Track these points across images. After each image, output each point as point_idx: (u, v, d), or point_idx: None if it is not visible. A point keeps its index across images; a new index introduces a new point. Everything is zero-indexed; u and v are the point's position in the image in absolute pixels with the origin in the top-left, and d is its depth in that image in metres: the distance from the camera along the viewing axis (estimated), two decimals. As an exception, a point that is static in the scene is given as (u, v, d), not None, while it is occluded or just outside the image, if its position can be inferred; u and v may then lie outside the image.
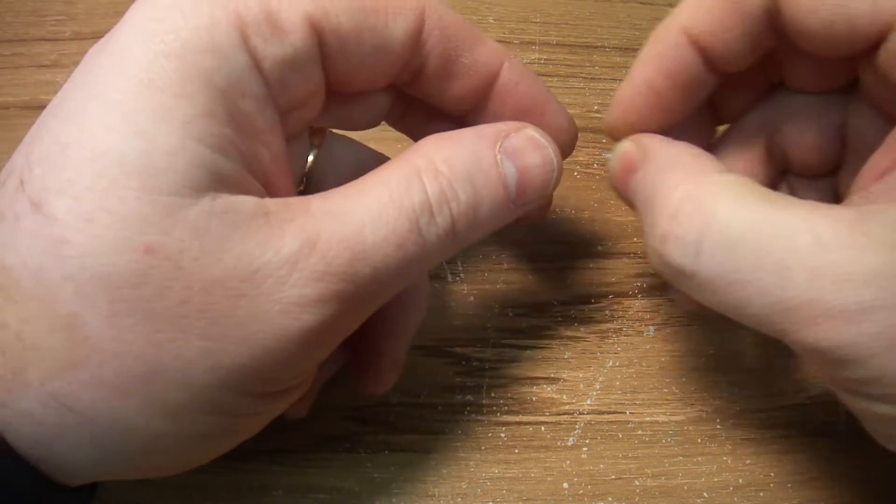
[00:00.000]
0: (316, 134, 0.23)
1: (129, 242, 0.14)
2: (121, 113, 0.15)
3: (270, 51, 0.16)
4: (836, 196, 0.23)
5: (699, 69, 0.20)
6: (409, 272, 0.18)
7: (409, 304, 0.23)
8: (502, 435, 0.26)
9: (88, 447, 0.16)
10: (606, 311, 0.29)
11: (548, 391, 0.27)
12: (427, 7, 0.19)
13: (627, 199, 0.21)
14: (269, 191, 0.18)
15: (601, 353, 0.28)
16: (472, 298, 0.29)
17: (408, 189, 0.18)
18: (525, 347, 0.28)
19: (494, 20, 0.35)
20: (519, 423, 0.27)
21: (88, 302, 0.15)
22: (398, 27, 0.19)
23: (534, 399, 0.27)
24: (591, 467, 0.26)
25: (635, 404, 0.27)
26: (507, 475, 0.26)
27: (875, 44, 0.18)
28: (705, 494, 0.26)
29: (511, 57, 0.22)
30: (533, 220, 0.26)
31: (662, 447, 0.26)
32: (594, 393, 0.27)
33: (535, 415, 0.27)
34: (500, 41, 0.35)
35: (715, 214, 0.17)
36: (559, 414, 0.27)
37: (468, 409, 0.27)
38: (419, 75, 0.21)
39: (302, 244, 0.16)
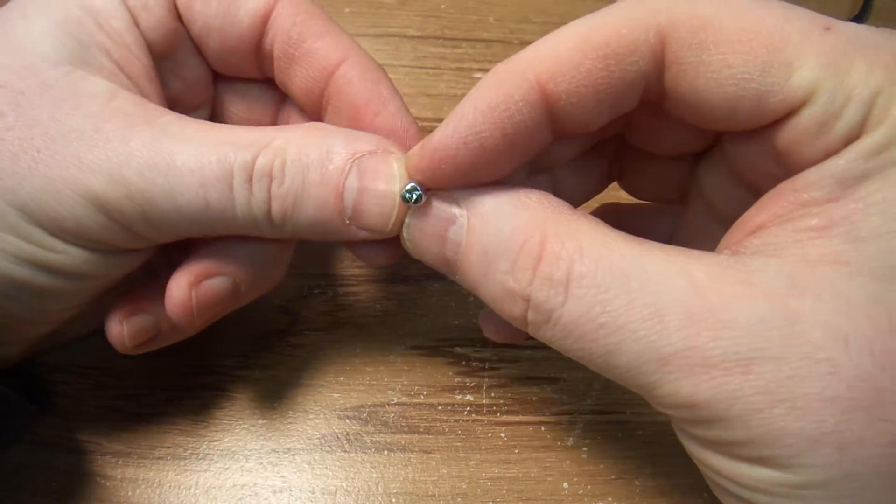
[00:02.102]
0: None
1: None
2: (18, 11, 0.20)
3: None
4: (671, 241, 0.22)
5: (542, 131, 0.17)
6: (209, 220, 0.19)
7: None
8: (502, 435, 0.26)
9: None
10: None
11: (548, 391, 0.27)
12: None
13: (440, 256, 0.19)
14: (142, 95, 0.21)
15: (601, 353, 0.28)
16: (472, 298, 0.29)
17: (242, 148, 0.19)
18: (525, 347, 0.28)
19: (494, 20, 0.35)
20: (519, 423, 0.27)
21: None
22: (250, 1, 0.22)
23: (534, 399, 0.27)
24: (591, 467, 0.26)
25: (635, 404, 0.27)
26: (507, 475, 0.26)
27: (781, 119, 0.16)
28: (705, 494, 0.26)
29: (363, 56, 0.22)
30: (380, 263, 0.23)
31: (662, 447, 0.26)
32: (594, 393, 0.27)
33: (535, 415, 0.27)
34: (499, 41, 0.36)
35: (582, 253, 0.16)
36: (559, 414, 0.27)
37: (468, 409, 0.27)
38: (273, 60, 0.22)
39: (116, 136, 0.19)
